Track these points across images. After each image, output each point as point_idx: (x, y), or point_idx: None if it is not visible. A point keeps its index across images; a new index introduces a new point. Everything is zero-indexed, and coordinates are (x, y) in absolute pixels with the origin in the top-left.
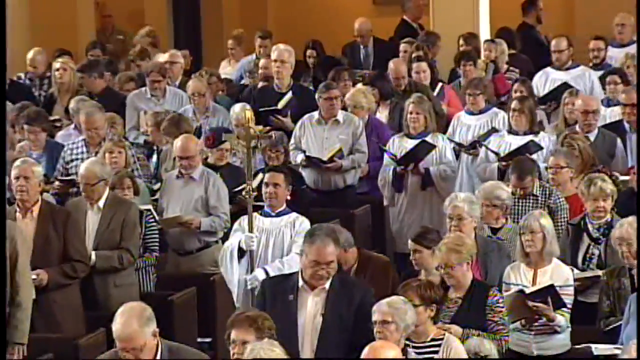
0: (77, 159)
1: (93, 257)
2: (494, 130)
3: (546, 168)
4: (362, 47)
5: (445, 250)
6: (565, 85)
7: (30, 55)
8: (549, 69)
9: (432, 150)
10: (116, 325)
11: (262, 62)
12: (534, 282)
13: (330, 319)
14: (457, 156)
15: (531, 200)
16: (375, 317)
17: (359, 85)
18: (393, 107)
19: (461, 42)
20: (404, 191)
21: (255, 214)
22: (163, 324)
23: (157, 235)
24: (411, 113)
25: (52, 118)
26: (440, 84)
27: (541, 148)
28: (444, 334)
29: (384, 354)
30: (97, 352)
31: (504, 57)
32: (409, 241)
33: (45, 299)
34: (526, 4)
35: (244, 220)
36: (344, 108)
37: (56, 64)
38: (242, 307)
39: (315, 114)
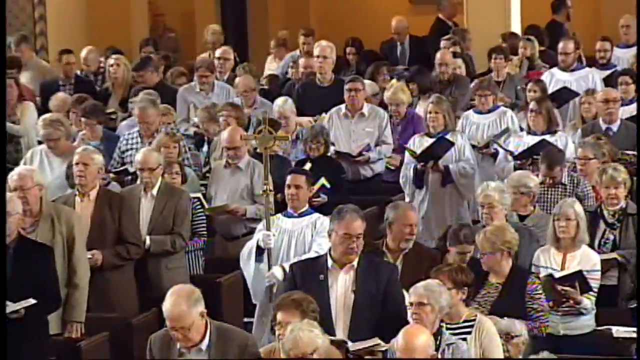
0: (131, 149)
1: (148, 241)
2: (506, 130)
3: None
4: (398, 44)
5: (482, 238)
6: (565, 89)
7: (83, 54)
8: (554, 69)
9: (451, 147)
10: (166, 306)
11: (303, 60)
12: (562, 266)
13: (361, 295)
14: None
15: (560, 189)
16: (411, 298)
17: (394, 81)
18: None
19: (500, 40)
20: (425, 188)
21: (278, 214)
22: (211, 305)
23: (204, 221)
24: (430, 113)
25: (107, 111)
26: (475, 79)
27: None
28: (476, 315)
29: (417, 338)
30: (149, 331)
31: (536, 54)
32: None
33: (101, 279)
34: (556, 2)
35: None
36: (383, 104)
37: (110, 61)
38: (260, 304)
39: (343, 107)
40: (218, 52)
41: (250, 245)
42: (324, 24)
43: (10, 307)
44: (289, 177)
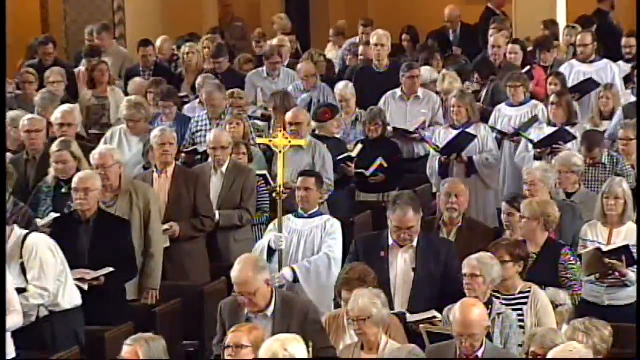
0: (201, 130)
1: (217, 215)
2: (535, 118)
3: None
4: (451, 31)
5: (526, 203)
6: (591, 81)
7: (158, 43)
8: (573, 61)
9: (473, 140)
10: (234, 272)
11: (362, 48)
12: (609, 241)
13: (421, 273)
14: (500, 145)
15: (600, 168)
16: (465, 270)
17: (445, 71)
18: (490, 86)
19: (542, 27)
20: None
21: (289, 215)
22: None
23: (268, 198)
24: (454, 106)
25: (180, 94)
26: (529, 66)
27: (574, 137)
28: (531, 287)
29: (473, 311)
30: (219, 298)
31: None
32: (503, 203)
33: (177, 249)
34: None
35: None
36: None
37: (185, 49)
38: None
39: (398, 90)
40: (276, 40)
41: (261, 246)
42: (381, 13)
43: (91, 274)
44: (299, 180)
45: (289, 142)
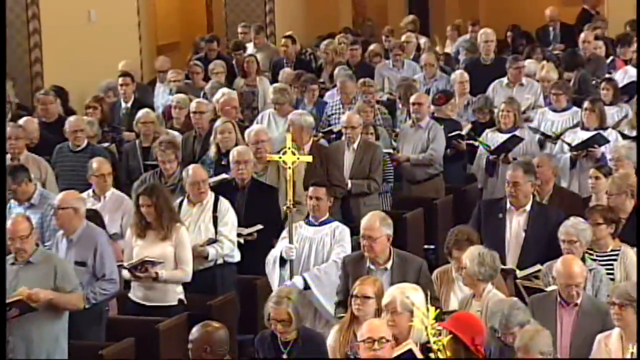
0: (335, 113)
1: (349, 184)
2: (577, 124)
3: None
4: (551, 29)
5: (610, 182)
6: (632, 84)
7: (299, 40)
8: (629, 67)
9: (520, 142)
10: (364, 219)
11: (469, 45)
12: None
13: (531, 234)
14: (542, 147)
15: None
16: (562, 237)
17: (544, 62)
18: (578, 77)
19: (628, 28)
20: (496, 177)
21: (301, 222)
22: (399, 234)
23: (392, 170)
24: (502, 111)
25: (320, 81)
26: (611, 57)
27: (608, 141)
28: (621, 246)
29: (574, 265)
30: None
31: None
32: (592, 169)
33: None
34: None
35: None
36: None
37: (322, 46)
38: None
39: (504, 79)
40: (404, 37)
41: (274, 254)
42: (490, 13)
43: (245, 231)
44: (310, 189)
45: (297, 158)
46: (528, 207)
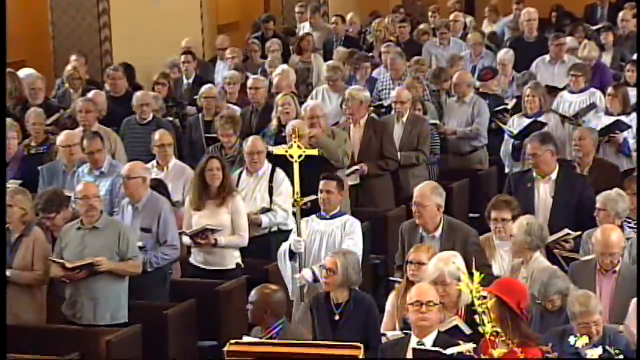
0: (385, 89)
1: (399, 155)
2: (593, 105)
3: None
4: (599, 8)
5: None
6: None
7: (348, 17)
8: None
9: (543, 127)
10: (416, 188)
11: (513, 24)
12: None
13: (558, 200)
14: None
15: None
16: (597, 204)
17: (586, 41)
18: (616, 54)
19: None
20: (522, 161)
21: (313, 216)
22: (445, 203)
23: (439, 142)
24: (528, 96)
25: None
26: None
27: (629, 127)
28: None
29: (613, 233)
30: (401, 222)
31: None
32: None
33: (368, 183)
34: None
35: (301, 223)
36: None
37: (374, 25)
38: (295, 301)
39: (547, 56)
40: (452, 16)
41: (285, 248)
42: None
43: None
44: (321, 183)
45: (303, 151)
46: (554, 176)
